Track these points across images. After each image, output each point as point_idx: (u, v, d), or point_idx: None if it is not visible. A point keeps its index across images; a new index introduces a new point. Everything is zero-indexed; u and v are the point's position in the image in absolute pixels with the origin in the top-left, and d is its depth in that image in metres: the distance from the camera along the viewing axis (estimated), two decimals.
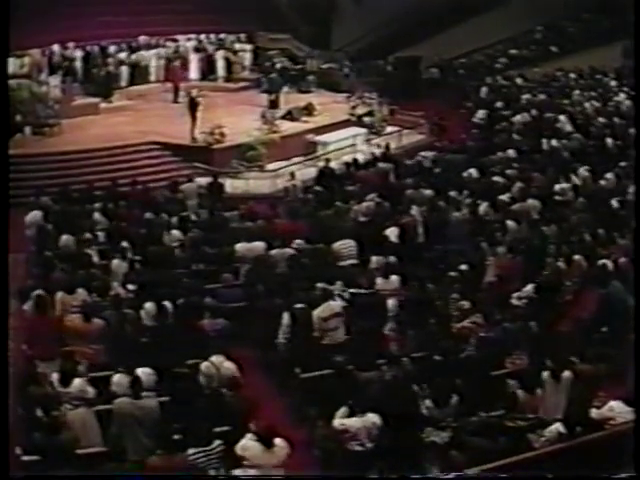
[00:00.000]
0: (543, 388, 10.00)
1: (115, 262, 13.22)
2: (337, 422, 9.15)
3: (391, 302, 12.11)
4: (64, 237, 14.30)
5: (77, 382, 9.43)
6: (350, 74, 30.95)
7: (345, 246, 13.87)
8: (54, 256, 13.70)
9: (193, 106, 22.71)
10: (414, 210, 16.11)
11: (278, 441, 8.42)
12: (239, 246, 14.13)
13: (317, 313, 11.48)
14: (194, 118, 22.59)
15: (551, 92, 28.68)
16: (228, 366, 10.03)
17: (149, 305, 11.56)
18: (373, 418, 9.11)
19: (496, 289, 13.53)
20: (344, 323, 11.60)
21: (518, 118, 25.13)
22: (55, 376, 9.58)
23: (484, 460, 8.67)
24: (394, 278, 12.90)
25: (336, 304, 11.71)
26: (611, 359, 11.49)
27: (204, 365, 9.98)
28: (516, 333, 11.52)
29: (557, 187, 17.93)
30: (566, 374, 10.04)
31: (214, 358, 10.02)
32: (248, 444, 8.35)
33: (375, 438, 9.07)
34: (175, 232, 15.00)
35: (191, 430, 8.49)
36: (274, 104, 25.82)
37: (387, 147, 22.22)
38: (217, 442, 8.44)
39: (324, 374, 10.73)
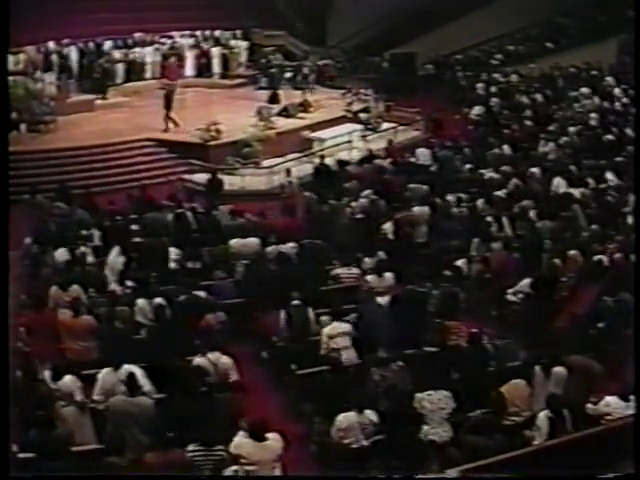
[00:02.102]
0: (537, 382, 10.01)
1: (111, 259, 13.16)
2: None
3: (385, 299, 12.14)
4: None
5: (68, 379, 9.41)
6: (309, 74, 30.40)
7: (347, 275, 13.64)
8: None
9: (168, 97, 23.07)
10: (414, 208, 16.10)
11: (271, 435, 8.39)
12: (234, 242, 14.10)
13: (326, 331, 11.05)
14: (169, 107, 22.88)
15: (546, 88, 28.67)
16: (225, 361, 10.04)
17: (142, 302, 11.55)
18: (369, 415, 9.10)
19: (491, 284, 13.59)
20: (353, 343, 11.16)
21: (513, 114, 25.18)
22: (47, 373, 9.58)
23: (480, 457, 8.69)
24: (388, 275, 12.90)
25: (344, 325, 11.21)
26: (607, 354, 11.55)
27: (200, 361, 9.94)
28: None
29: (553, 182, 17.98)
30: (559, 369, 10.02)
31: (210, 355, 10.00)
32: (241, 442, 8.31)
33: (370, 435, 9.05)
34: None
35: (189, 430, 8.46)
36: (274, 99, 25.82)
37: (390, 142, 22.49)
38: (219, 446, 8.37)
39: (321, 370, 10.77)
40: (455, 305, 12.31)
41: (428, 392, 9.18)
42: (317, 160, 20.81)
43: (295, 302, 11.49)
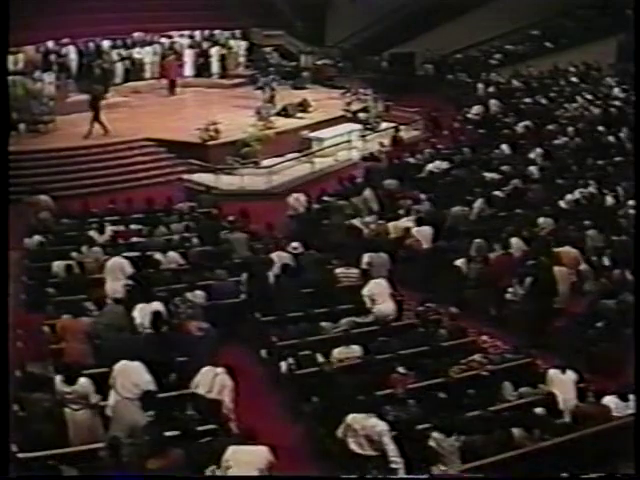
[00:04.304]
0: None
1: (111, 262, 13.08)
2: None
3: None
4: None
5: (83, 381, 9.36)
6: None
7: (346, 274, 13.64)
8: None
9: (95, 101, 22.43)
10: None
11: (261, 448, 8.31)
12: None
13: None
14: (96, 115, 22.13)
15: (545, 88, 28.68)
16: (225, 377, 9.71)
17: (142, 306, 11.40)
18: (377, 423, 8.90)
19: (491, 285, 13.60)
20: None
21: (514, 116, 25.19)
22: (58, 377, 9.51)
23: (479, 456, 8.69)
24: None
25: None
26: (607, 354, 11.57)
27: (203, 370, 9.78)
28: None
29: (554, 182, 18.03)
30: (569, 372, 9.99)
31: (218, 369, 9.76)
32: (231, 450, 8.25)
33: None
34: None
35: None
36: (269, 100, 25.78)
37: (398, 130, 22.59)
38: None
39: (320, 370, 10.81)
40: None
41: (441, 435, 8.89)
42: (317, 159, 20.81)
43: (305, 352, 11.20)
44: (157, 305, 11.36)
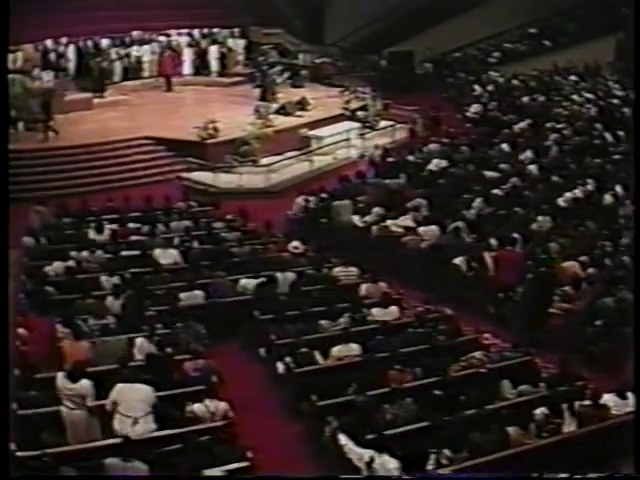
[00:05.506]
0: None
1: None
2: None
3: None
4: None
5: (85, 382, 9.28)
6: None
7: (345, 273, 13.77)
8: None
9: (47, 104, 22.04)
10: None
11: None
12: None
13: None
14: (48, 114, 21.87)
15: (544, 86, 28.68)
16: (222, 406, 9.62)
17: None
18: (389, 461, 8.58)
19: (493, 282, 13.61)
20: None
21: (513, 114, 25.19)
22: (60, 374, 9.45)
23: (477, 454, 8.68)
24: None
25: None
26: (606, 352, 11.57)
27: (196, 407, 9.56)
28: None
29: (553, 180, 18.03)
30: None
31: (207, 401, 9.58)
32: None
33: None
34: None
35: None
36: (264, 98, 25.78)
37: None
38: None
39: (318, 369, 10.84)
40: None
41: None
42: (316, 158, 20.80)
43: (303, 349, 11.18)
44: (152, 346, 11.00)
